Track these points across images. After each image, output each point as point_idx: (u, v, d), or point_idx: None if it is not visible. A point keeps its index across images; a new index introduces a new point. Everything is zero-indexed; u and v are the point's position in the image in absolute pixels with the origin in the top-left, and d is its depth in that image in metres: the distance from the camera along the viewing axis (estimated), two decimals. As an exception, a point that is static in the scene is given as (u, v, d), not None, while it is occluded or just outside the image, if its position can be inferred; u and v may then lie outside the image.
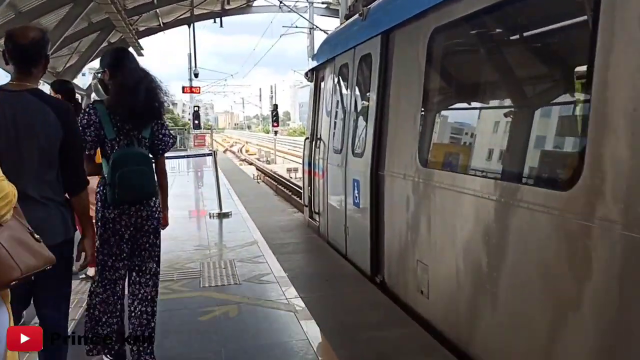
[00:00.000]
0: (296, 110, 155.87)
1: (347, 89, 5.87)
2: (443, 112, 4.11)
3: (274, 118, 35.52)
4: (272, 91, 68.60)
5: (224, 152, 41.73)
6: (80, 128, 2.90)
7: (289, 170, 28.19)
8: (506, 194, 2.93)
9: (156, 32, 27.82)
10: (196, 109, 32.31)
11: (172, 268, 5.53)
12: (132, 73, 3.05)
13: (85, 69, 24.33)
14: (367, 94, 5.16)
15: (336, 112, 6.31)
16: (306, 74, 8.01)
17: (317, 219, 7.17)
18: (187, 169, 19.34)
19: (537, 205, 2.65)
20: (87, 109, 3.04)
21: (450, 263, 3.52)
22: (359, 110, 5.60)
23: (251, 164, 33.66)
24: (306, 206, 7.76)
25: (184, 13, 25.74)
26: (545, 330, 2.63)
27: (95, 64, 18.59)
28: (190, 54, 27.09)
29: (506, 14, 3.23)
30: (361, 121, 5.42)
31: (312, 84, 7.76)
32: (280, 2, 22.85)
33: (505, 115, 3.31)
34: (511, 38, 3.44)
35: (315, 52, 8.80)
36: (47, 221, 2.48)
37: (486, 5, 3.17)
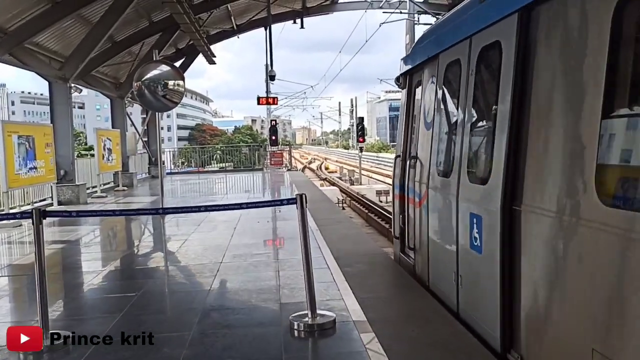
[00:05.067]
0: (373, 125, 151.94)
1: (457, 92, 4.55)
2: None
3: (359, 132, 31.47)
4: (352, 104, 64.96)
5: (303, 170, 38.07)
6: None
7: (378, 193, 24.18)
8: None
9: (230, 36, 24.70)
10: (273, 123, 29.33)
11: None
12: None
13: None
14: (492, 95, 3.92)
15: (440, 122, 5.04)
16: (397, 78, 6.72)
17: (412, 256, 5.88)
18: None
19: None
20: None
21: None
22: (478, 118, 4.36)
23: (333, 184, 29.70)
24: (397, 238, 6.54)
25: (260, 12, 22.22)
26: None
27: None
28: (266, 57, 23.40)
29: None
30: (483, 133, 4.16)
31: (404, 92, 6.57)
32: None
33: None
34: None
35: (408, 52, 7.36)
36: None
37: None
